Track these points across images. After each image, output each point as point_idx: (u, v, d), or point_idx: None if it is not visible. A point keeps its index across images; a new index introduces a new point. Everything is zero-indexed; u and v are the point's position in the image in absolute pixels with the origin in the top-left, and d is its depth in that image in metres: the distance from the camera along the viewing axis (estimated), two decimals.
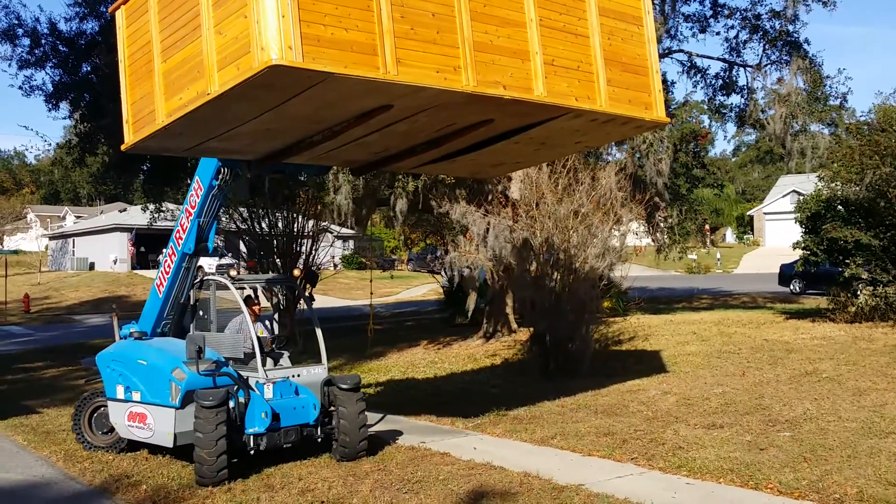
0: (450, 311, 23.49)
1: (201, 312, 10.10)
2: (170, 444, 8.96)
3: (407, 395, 13.18)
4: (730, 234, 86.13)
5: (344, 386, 9.18)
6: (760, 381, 12.00)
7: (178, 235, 9.79)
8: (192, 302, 10.11)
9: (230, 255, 36.50)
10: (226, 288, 9.53)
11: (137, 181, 22.39)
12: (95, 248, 56.82)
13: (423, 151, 8.31)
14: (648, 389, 12.20)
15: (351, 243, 57.97)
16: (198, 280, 10.12)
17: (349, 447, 9.03)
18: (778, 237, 70.44)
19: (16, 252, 64.52)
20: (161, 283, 10.00)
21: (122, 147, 7.62)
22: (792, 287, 30.23)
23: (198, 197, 9.53)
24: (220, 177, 9.28)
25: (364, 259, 54.17)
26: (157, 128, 6.94)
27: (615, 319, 18.82)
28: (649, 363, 14.31)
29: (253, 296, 10.17)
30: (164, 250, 10.13)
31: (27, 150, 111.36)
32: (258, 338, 9.20)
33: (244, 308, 9.41)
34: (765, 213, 75.74)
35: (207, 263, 42.05)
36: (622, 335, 17.32)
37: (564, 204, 13.81)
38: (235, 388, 8.72)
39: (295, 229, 21.82)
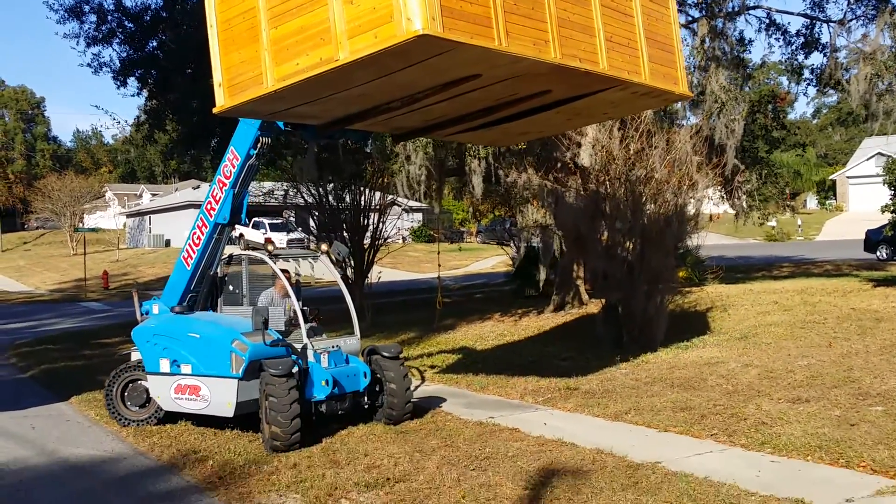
0: (519, 282, 23.12)
1: (231, 287, 10.23)
2: (229, 414, 9.12)
3: (475, 369, 12.91)
4: (811, 200, 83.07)
5: (387, 354, 9.64)
6: (848, 352, 11.33)
7: (209, 206, 9.79)
8: (220, 275, 10.18)
9: (300, 229, 36.91)
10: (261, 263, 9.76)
11: (206, 157, 22.60)
12: (171, 225, 58.19)
13: (473, 119, 8.71)
14: (728, 362, 11.66)
15: (419, 216, 57.94)
16: (226, 256, 10.21)
17: (396, 410, 9.44)
18: (862, 202, 67.73)
19: (95, 230, 66.55)
20: (189, 256, 10.00)
21: (215, 110, 7.68)
22: (879, 254, 28.85)
23: (233, 167, 9.53)
24: (259, 146, 9.34)
25: (433, 232, 54.09)
26: (265, 92, 7.07)
27: (691, 289, 18.16)
28: (728, 335, 13.71)
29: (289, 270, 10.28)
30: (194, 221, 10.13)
31: (101, 129, 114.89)
32: (302, 310, 9.41)
33: (285, 282, 9.56)
34: (848, 178, 72.84)
35: (277, 238, 42.86)
36: (698, 305, 16.69)
37: (637, 169, 13.26)
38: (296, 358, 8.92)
39: (362, 203, 21.79)
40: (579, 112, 9.08)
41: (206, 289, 10.14)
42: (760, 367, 11.06)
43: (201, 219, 9.93)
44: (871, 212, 55.15)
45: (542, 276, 19.20)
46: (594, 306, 17.12)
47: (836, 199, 77.47)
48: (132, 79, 19.48)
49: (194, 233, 10.02)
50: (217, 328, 9.46)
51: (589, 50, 7.31)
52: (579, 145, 15.46)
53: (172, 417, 9.98)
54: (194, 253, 9.97)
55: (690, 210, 14.13)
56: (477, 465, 7.66)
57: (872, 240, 29.41)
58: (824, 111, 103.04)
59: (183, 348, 9.53)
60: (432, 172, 18.46)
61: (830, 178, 79.15)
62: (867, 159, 69.70)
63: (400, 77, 6.80)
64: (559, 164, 16.37)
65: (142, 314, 10.54)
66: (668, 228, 13.43)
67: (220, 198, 9.68)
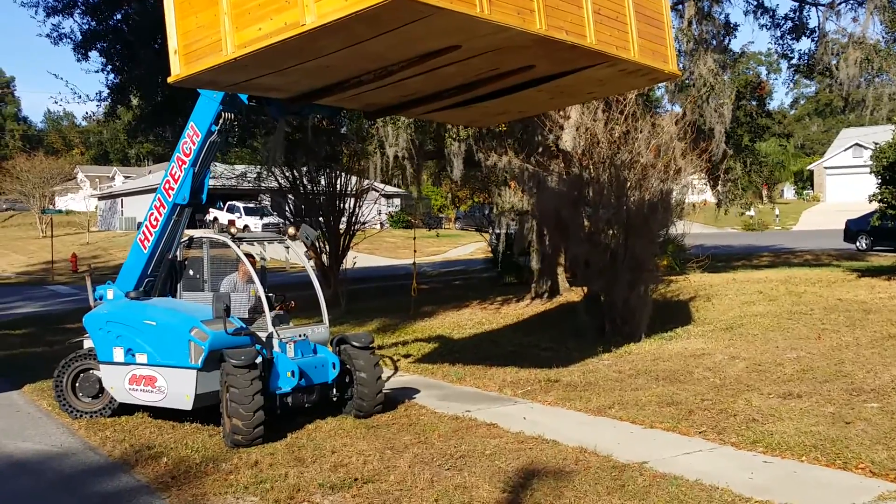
0: (498, 269, 22.67)
1: (191, 271, 9.70)
2: (187, 407, 8.60)
3: (451, 359, 12.42)
4: (788, 190, 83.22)
5: (357, 344, 9.14)
6: (838, 344, 10.94)
7: (167, 186, 9.26)
8: (180, 259, 9.68)
9: (275, 214, 36.37)
10: (224, 246, 9.23)
11: (170, 137, 21.84)
12: (143, 208, 56.56)
13: (450, 96, 8.25)
14: (714, 354, 11.24)
15: (397, 201, 57.37)
16: (185, 239, 9.69)
17: (367, 403, 8.97)
18: (840, 193, 67.95)
19: (64, 212, 65.39)
20: (146, 238, 9.48)
21: (170, 80, 7.15)
22: (858, 244, 28.67)
23: (193, 144, 9.00)
24: (221, 122, 8.81)
25: (410, 217, 53.55)
26: (224, 60, 6.56)
27: (674, 278, 17.75)
28: (713, 325, 13.30)
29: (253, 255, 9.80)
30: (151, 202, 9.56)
31: (60, 101, 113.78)
32: (267, 297, 8.93)
33: (249, 267, 9.08)
34: (825, 168, 72.94)
35: (253, 224, 42.15)
36: (681, 295, 16.28)
37: (622, 153, 12.78)
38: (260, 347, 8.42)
39: (338, 187, 21.24)
40: (563, 90, 8.63)
41: (164, 273, 9.60)
42: (748, 360, 10.65)
43: (159, 199, 9.36)
44: (849, 202, 55.39)
45: (529, 262, 18.69)
46: (575, 295, 16.67)
47: (813, 189, 77.61)
48: (94, 52, 18.67)
49: (151, 213, 9.47)
50: (175, 315, 8.90)
51: (576, 22, 6.86)
52: (562, 128, 14.97)
53: (128, 409, 9.42)
54: (151, 235, 9.45)
55: (676, 197, 13.67)
56: (452, 465, 7.16)
57: (852, 230, 29.25)
58: (802, 102, 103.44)
59: (138, 336, 8.96)
60: (411, 155, 17.85)
61: (808, 168, 79.32)
62: (844, 150, 69.83)
63: (371, 47, 6.31)
64: (540, 148, 15.85)
65: (95, 299, 9.96)
66: (652, 215, 12.96)
67: (179, 177, 9.16)
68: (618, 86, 9.44)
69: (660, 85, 22.45)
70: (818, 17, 18.55)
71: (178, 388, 8.61)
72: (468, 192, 33.92)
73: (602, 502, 6.07)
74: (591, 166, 13.41)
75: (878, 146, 15.79)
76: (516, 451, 7.49)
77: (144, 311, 9.10)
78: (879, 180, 15.85)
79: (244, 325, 8.66)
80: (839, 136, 76.54)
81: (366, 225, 22.83)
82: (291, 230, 9.77)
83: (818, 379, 9.31)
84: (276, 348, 8.61)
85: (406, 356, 13.06)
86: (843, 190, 67.14)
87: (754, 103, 22.27)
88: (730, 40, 18.88)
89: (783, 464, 6.79)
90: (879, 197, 15.55)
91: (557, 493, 6.30)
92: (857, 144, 66.68)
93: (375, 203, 23.07)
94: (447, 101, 8.44)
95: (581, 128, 13.77)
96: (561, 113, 14.85)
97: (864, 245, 28.40)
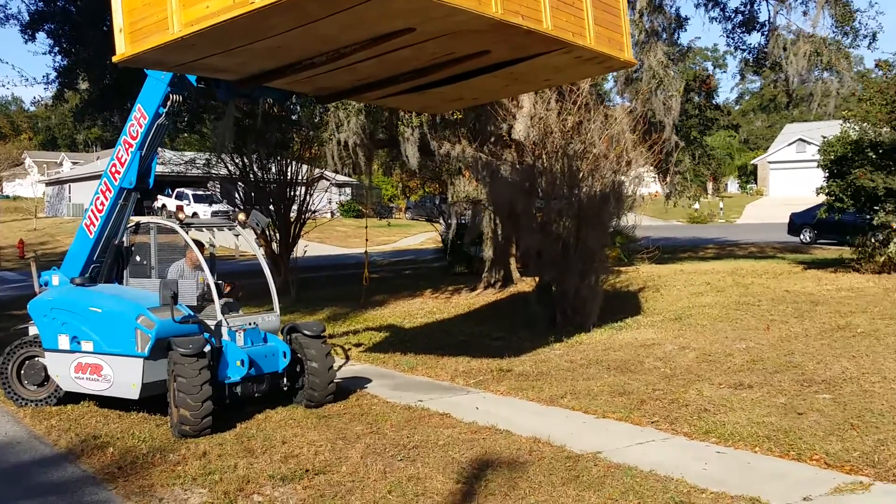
0: (449, 259, 22.61)
1: (138, 258, 9.47)
2: (134, 396, 8.37)
3: (403, 348, 12.31)
4: (732, 184, 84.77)
5: (309, 332, 9.00)
6: (787, 335, 11.09)
7: (114, 169, 9.00)
8: (126, 245, 9.43)
9: (225, 201, 35.78)
10: (172, 232, 8.98)
11: (115, 121, 21.30)
12: (91, 194, 55.81)
13: (405, 81, 8.10)
14: (664, 344, 11.31)
15: (348, 191, 57.04)
16: (132, 225, 9.45)
17: (318, 392, 8.84)
18: (782, 187, 69.37)
19: (11, 198, 63.62)
20: (92, 223, 9.20)
21: (115, 59, 6.88)
22: (802, 237, 29.27)
23: (140, 126, 8.75)
24: (169, 104, 8.56)
25: (361, 207, 53.25)
26: (171, 38, 6.29)
27: (623, 269, 17.88)
28: (662, 315, 13.40)
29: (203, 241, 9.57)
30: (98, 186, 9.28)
31: (4, 85, 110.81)
32: (216, 284, 8.70)
33: (197, 253, 8.83)
34: (769, 162, 74.40)
35: (202, 210, 41.42)
36: (630, 286, 16.39)
37: (574, 143, 12.76)
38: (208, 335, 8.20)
39: (289, 175, 20.95)
40: (518, 77, 8.52)
41: (111, 259, 9.34)
42: (698, 350, 10.73)
43: (105, 183, 9.09)
44: (792, 196, 56.56)
45: (480, 252, 18.64)
46: (526, 285, 16.69)
47: (756, 183, 79.13)
48: (42, 34, 18.10)
49: (97, 198, 9.19)
50: (121, 302, 8.63)
51: (532, 7, 6.74)
52: (515, 117, 14.91)
53: (75, 397, 9.16)
54: (97, 220, 9.17)
55: (628, 189, 13.71)
56: (405, 455, 7.06)
57: (797, 223, 29.79)
58: (747, 97, 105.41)
59: (84, 324, 8.67)
60: (363, 143, 17.62)
61: (752, 162, 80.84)
62: (788, 145, 71.29)
63: (323, 27, 6.12)
64: (493, 138, 15.78)
65: (40, 285, 9.67)
66: (605, 206, 12.98)
67: (125, 160, 8.91)
68: (573, 73, 9.33)
69: (609, 77, 22.61)
70: (769, 10, 18.76)
71: (124, 376, 8.36)
72: (419, 182, 33.79)
73: (557, 493, 6.02)
74: (544, 156, 13.37)
75: (826, 140, 16.05)
76: (470, 441, 7.41)
77: (90, 297, 8.81)
78: (827, 174, 16.14)
79: (192, 313, 8.44)
80: (783, 132, 78.09)
81: (316, 213, 22.61)
82: (242, 217, 9.55)
83: (768, 370, 9.41)
84: (226, 337, 8.39)
85: (357, 345, 12.91)
86: (787, 184, 68.57)
87: (703, 97, 22.54)
88: (679, 34, 19.04)
89: (737, 454, 6.81)
90: (827, 190, 15.82)
91: (512, 484, 6.23)
92: (800, 140, 68.13)
93: (326, 192, 22.79)
94: (402, 85, 8.28)
95: (535, 117, 13.71)
96: (514, 102, 14.79)
97: (808, 238, 28.97)
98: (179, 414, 7.76)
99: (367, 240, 18.87)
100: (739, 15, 19.57)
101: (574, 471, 6.48)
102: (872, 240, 15.38)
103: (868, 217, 15.09)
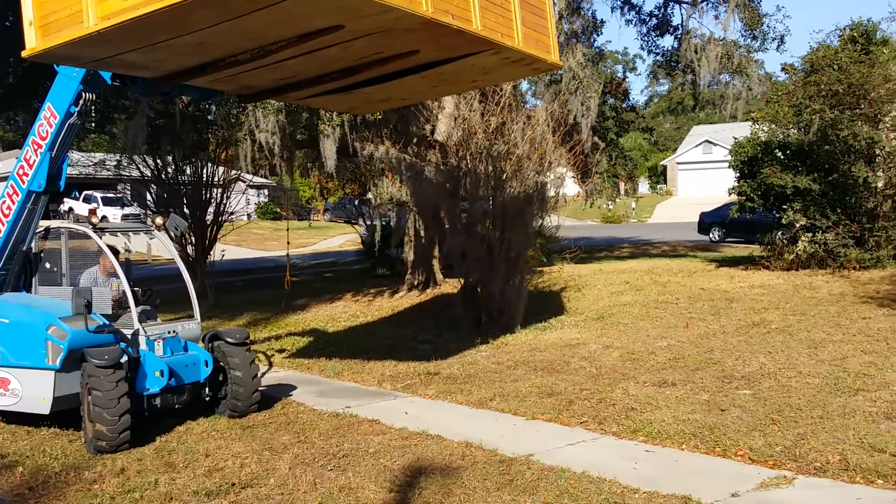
0: (370, 261, 22.40)
1: (48, 264, 9.05)
2: (44, 411, 7.95)
3: (328, 353, 12.11)
4: (643, 184, 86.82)
5: (232, 340, 8.74)
6: (706, 332, 11.35)
7: (21, 171, 8.57)
8: (35, 251, 8.99)
9: (136, 204, 34.67)
10: (84, 237, 8.59)
11: (22, 121, 20.35)
12: None
13: (332, 80, 7.99)
14: (588, 343, 11.43)
15: (265, 192, 56.05)
16: (41, 230, 9.02)
17: (242, 402, 8.59)
18: (691, 187, 71.30)
19: None
20: None
21: (25, 53, 6.53)
22: (711, 235, 30.10)
23: (50, 126, 8.35)
24: (81, 102, 8.18)
25: (279, 209, 52.42)
26: (86, 33, 5.99)
27: (544, 269, 18.05)
28: (585, 315, 13.56)
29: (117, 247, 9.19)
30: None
31: None
32: (132, 291, 8.38)
33: (112, 259, 8.46)
34: (678, 163, 76.44)
35: (112, 214, 40.03)
36: (553, 286, 16.56)
37: (497, 144, 12.78)
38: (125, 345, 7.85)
39: (205, 176, 20.40)
40: (446, 78, 8.48)
41: (18, 267, 8.86)
42: (621, 349, 10.88)
43: (12, 186, 8.60)
44: (700, 196, 58.24)
45: (402, 254, 18.51)
46: (449, 286, 16.66)
47: (666, 183, 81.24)
48: None
49: (3, 202, 8.73)
50: (30, 312, 8.22)
51: (463, 7, 6.71)
52: (438, 118, 14.86)
53: None
54: (4, 225, 8.72)
55: (550, 189, 13.82)
56: (335, 465, 6.90)
57: (706, 222, 30.59)
58: (656, 100, 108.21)
59: None
60: (283, 143, 17.26)
61: (661, 163, 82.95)
62: (695, 146, 73.37)
63: (249, 23, 5.92)
64: (415, 139, 15.68)
65: None
66: (528, 207, 13.05)
67: (34, 162, 8.46)
68: (501, 75, 9.34)
69: (527, 78, 22.79)
70: (682, 14, 19.28)
71: (34, 390, 7.94)
72: (338, 184, 33.42)
73: (492, 499, 5.97)
74: (468, 157, 13.36)
75: (736, 141, 16.54)
76: (401, 447, 7.31)
77: None
78: (738, 174, 16.62)
79: (107, 322, 8.03)
80: (690, 133, 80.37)
81: (233, 216, 22.09)
82: (159, 220, 9.17)
83: (690, 367, 9.60)
84: (143, 346, 8.05)
85: (280, 351, 12.63)
86: (694, 184, 70.55)
87: (618, 98, 23.00)
88: (596, 37, 19.36)
89: (665, 452, 6.90)
90: (739, 190, 16.29)
91: (446, 490, 6.16)
92: (706, 141, 70.27)
93: (243, 194, 22.30)
94: (328, 85, 8.14)
95: (458, 118, 13.69)
96: (436, 103, 14.74)
97: (716, 237, 29.81)
98: (95, 429, 7.40)
99: (288, 242, 18.48)
100: (654, 18, 20.05)
101: (508, 475, 6.44)
102: (781, 238, 15.90)
103: (777, 216, 15.59)
